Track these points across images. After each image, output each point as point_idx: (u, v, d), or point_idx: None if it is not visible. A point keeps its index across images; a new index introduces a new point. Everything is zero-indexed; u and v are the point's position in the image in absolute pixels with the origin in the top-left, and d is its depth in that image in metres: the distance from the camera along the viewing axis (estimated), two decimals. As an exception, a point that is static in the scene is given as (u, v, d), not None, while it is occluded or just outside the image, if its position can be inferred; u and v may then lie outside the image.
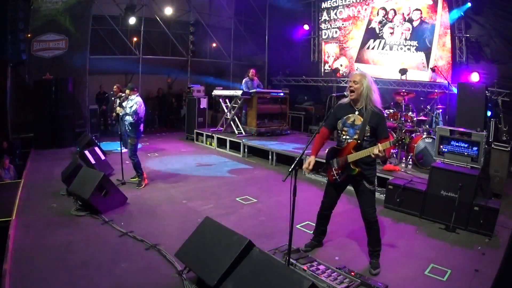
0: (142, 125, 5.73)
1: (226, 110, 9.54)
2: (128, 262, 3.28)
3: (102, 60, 10.78)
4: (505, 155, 5.32)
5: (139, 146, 6.69)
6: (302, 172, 6.14)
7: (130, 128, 5.57)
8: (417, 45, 8.92)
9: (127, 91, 5.67)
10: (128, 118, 5.52)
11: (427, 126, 6.52)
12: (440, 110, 6.73)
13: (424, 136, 5.98)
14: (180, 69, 12.64)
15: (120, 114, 5.71)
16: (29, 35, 9.39)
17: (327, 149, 3.33)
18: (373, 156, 2.93)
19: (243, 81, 9.29)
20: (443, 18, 8.35)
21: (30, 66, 9.44)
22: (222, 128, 9.55)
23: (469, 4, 7.70)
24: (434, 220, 4.36)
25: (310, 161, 3.17)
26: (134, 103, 5.51)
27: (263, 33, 13.17)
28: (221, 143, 8.99)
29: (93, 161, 5.92)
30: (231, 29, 13.21)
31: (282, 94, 9.45)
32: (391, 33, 9.47)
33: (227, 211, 4.69)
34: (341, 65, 11.08)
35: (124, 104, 5.68)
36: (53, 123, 8.75)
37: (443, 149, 5.23)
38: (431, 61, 8.67)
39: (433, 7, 8.54)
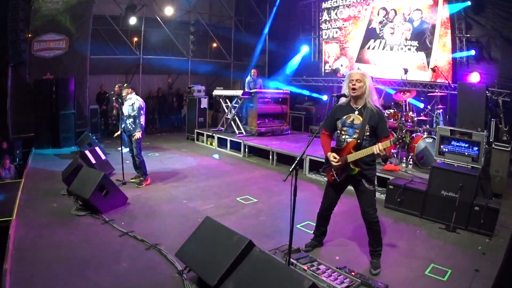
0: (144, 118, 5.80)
1: (226, 110, 9.54)
2: (128, 262, 3.28)
3: (103, 60, 10.78)
4: (506, 155, 5.32)
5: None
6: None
7: (133, 126, 5.62)
8: (417, 45, 8.91)
9: (127, 90, 5.72)
10: (135, 115, 5.59)
11: (428, 126, 6.52)
12: (441, 110, 6.73)
13: (424, 136, 5.98)
14: (181, 69, 12.65)
15: (125, 115, 5.73)
16: (29, 35, 9.37)
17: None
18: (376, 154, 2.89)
19: (246, 81, 9.30)
20: (443, 18, 8.34)
21: (30, 66, 9.41)
22: (222, 128, 9.55)
23: (468, 3, 7.68)
24: (435, 220, 4.36)
25: (332, 155, 3.10)
26: (135, 99, 5.63)
27: (263, 33, 13.17)
28: (222, 143, 8.99)
29: (93, 161, 5.94)
30: (231, 29, 13.21)
31: (282, 94, 9.45)
32: (392, 33, 9.47)
33: (227, 211, 4.69)
34: (341, 65, 11.07)
35: (125, 104, 5.69)
36: (54, 123, 8.75)
37: (444, 149, 5.24)
38: (431, 61, 8.67)
39: (434, 7, 8.53)
